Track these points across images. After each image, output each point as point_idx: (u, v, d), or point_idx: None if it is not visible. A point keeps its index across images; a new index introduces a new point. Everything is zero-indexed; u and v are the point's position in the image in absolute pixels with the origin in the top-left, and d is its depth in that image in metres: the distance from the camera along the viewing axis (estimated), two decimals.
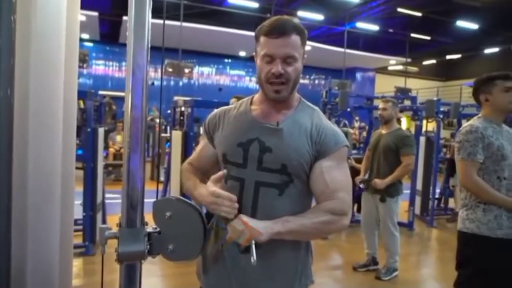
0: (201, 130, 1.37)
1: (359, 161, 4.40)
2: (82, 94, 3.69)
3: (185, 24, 11.35)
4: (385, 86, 18.00)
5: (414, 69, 19.33)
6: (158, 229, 1.03)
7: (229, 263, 1.17)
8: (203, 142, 1.33)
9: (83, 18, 11.18)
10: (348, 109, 5.95)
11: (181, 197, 1.10)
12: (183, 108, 5.26)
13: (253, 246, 1.02)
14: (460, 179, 2.03)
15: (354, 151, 7.34)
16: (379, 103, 3.94)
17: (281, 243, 1.13)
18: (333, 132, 1.18)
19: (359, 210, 4.63)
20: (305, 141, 1.15)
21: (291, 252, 1.19)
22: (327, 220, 1.10)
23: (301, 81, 1.20)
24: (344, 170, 1.18)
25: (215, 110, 1.32)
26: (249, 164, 1.15)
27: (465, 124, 2.11)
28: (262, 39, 1.13)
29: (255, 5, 13.03)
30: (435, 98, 5.74)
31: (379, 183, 3.50)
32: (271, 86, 1.12)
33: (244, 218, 1.06)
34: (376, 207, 3.65)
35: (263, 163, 1.14)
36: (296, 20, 1.13)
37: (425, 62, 19.66)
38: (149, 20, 0.92)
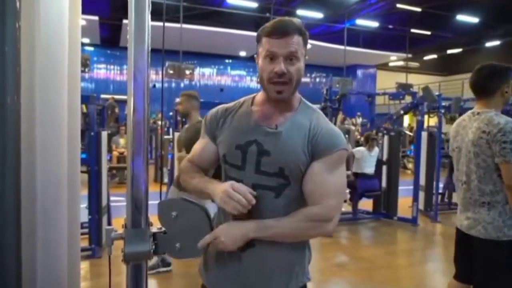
0: (202, 128, 1.32)
1: None
2: (85, 99, 3.71)
3: (185, 25, 11.38)
4: (386, 82, 17.96)
5: (415, 64, 19.29)
6: (163, 229, 1.04)
7: (230, 262, 1.18)
8: (203, 140, 1.29)
9: (84, 22, 11.22)
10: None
11: (186, 197, 1.11)
12: None
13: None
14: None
15: None
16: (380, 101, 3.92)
17: (280, 243, 1.15)
18: (329, 134, 1.14)
19: None
20: (302, 142, 1.13)
21: (289, 250, 1.19)
22: (308, 227, 1.12)
23: (302, 79, 1.19)
24: (338, 174, 1.14)
25: (215, 108, 1.29)
26: (247, 167, 1.15)
27: (498, 119, 1.86)
28: (264, 39, 1.12)
29: (255, 5, 13.04)
30: (436, 93, 5.72)
31: None
32: (273, 86, 1.11)
33: (224, 226, 1.12)
34: None
35: (260, 166, 1.14)
36: (297, 21, 1.12)
37: (426, 57, 19.60)
38: (149, 23, 0.93)
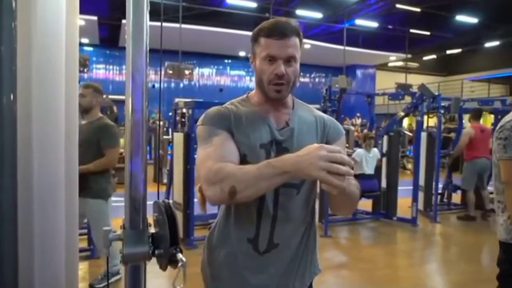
0: (206, 128, 1.15)
1: None
2: None
3: (184, 25, 11.37)
4: (386, 82, 17.98)
5: (414, 64, 19.31)
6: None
7: (245, 266, 1.18)
8: (221, 136, 1.12)
9: (82, 22, 11.22)
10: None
11: (166, 201, 1.04)
12: (184, 110, 5.28)
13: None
14: (507, 181, 1.75)
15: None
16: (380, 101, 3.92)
17: (300, 240, 1.21)
18: (333, 122, 1.28)
19: None
20: (315, 136, 1.20)
21: (303, 245, 1.24)
22: (358, 193, 1.17)
23: (302, 79, 1.19)
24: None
25: (218, 107, 1.21)
26: None
27: (507, 117, 1.79)
28: (263, 40, 1.13)
29: (254, 5, 13.04)
30: (436, 93, 5.72)
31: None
32: (273, 86, 1.14)
33: None
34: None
35: None
36: (294, 23, 1.14)
37: (426, 58, 19.62)
38: (147, 23, 0.93)
